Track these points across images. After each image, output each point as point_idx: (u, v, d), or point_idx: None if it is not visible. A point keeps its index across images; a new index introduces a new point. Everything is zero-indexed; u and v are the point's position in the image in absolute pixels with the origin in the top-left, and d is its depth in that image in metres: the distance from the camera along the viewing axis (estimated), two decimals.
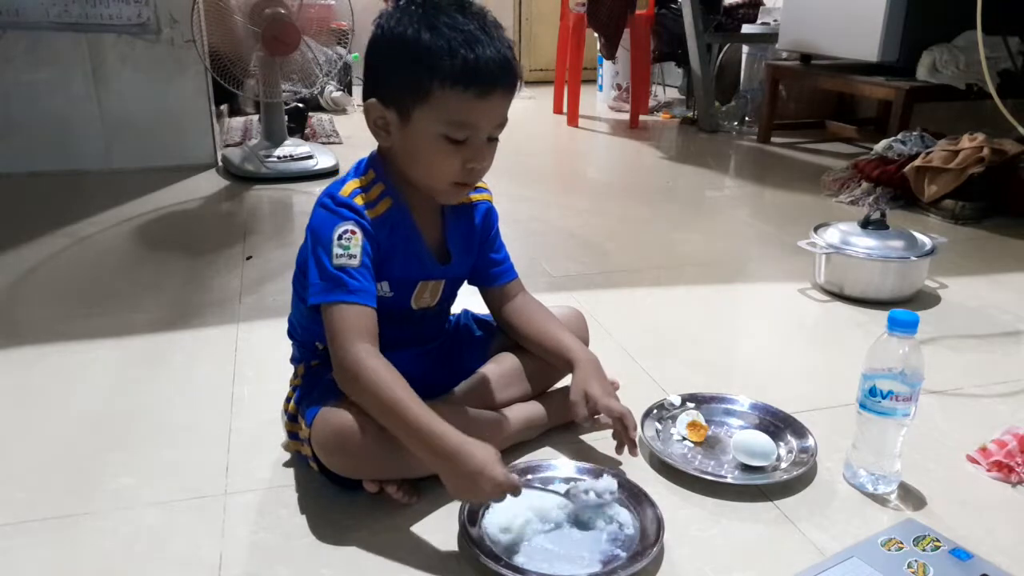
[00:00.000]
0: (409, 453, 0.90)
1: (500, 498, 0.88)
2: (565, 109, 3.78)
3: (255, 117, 3.34)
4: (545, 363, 1.12)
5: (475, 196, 1.10)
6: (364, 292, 0.93)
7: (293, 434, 1.04)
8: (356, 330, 0.91)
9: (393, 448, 0.92)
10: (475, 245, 1.10)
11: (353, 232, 0.93)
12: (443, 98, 0.89)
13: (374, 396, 0.89)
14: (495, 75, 0.90)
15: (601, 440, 1.11)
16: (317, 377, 1.02)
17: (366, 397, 0.90)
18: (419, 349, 1.09)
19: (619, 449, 1.04)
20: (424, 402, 0.92)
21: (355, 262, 0.92)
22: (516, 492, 0.86)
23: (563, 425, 1.13)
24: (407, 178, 0.98)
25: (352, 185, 0.98)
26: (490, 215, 1.12)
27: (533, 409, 1.11)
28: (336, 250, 0.93)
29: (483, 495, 0.87)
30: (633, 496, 0.96)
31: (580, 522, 0.92)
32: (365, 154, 1.03)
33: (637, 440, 1.04)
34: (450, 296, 1.12)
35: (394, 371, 0.90)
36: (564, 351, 1.09)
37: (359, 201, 0.96)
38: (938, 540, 0.89)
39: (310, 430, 0.95)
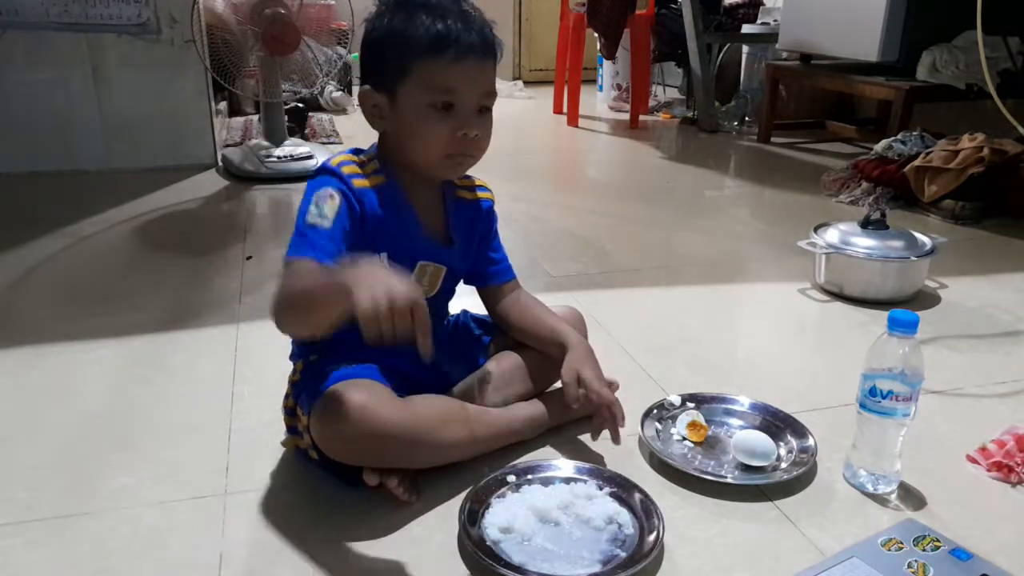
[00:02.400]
0: (410, 440, 0.93)
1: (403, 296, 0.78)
2: (565, 109, 3.77)
3: (255, 117, 3.34)
4: (547, 360, 1.13)
5: (480, 194, 1.13)
6: (323, 251, 0.91)
7: (292, 428, 1.04)
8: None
9: (393, 433, 0.92)
10: (476, 237, 1.12)
11: (332, 196, 0.95)
12: (422, 69, 0.94)
13: (280, 298, 0.88)
14: (467, 39, 0.95)
15: (603, 440, 1.10)
16: (315, 371, 1.02)
17: (278, 307, 0.88)
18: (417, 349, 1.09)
19: (594, 435, 1.06)
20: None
21: (326, 223, 0.93)
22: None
23: (564, 424, 1.13)
24: (404, 159, 1.01)
25: (347, 157, 1.01)
26: (491, 213, 1.15)
27: (534, 408, 1.11)
28: (312, 210, 0.94)
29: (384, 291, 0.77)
30: (633, 496, 0.96)
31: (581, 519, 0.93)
32: None
33: (630, 435, 1.07)
34: (448, 291, 1.13)
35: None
36: (557, 335, 1.11)
37: (347, 170, 0.99)
38: (938, 540, 0.89)
39: (308, 418, 0.95)
